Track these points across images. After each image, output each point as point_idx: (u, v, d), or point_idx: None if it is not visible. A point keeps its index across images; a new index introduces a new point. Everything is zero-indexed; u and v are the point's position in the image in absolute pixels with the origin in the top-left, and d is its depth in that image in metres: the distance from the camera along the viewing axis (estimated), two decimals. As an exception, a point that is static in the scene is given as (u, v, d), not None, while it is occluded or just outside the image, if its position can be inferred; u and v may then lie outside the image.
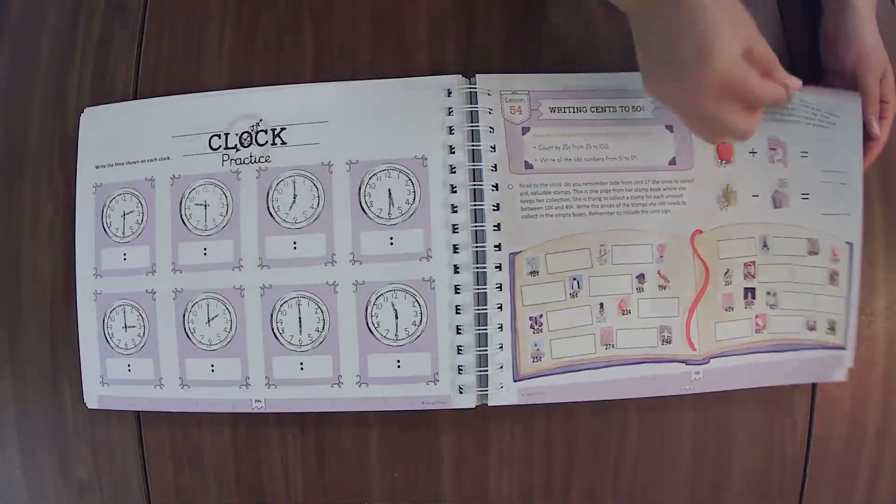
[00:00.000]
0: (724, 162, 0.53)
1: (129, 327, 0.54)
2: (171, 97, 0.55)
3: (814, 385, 0.56)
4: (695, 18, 0.40)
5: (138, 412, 0.55)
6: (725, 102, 0.42)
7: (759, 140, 0.53)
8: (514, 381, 0.51)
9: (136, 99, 0.56)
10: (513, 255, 0.51)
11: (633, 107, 0.53)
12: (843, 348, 0.55)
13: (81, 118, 0.56)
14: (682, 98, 0.44)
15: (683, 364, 0.52)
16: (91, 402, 0.54)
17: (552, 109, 0.52)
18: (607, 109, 0.53)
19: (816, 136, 0.54)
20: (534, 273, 0.51)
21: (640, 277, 0.52)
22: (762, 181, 0.54)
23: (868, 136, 0.55)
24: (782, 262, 0.54)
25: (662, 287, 0.52)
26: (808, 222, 0.54)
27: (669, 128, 0.53)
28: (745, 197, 0.53)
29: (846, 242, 0.55)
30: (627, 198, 0.52)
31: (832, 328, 0.55)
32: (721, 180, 0.53)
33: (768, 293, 0.54)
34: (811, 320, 0.54)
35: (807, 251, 0.54)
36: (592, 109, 0.53)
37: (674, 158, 0.53)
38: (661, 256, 0.52)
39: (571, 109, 0.53)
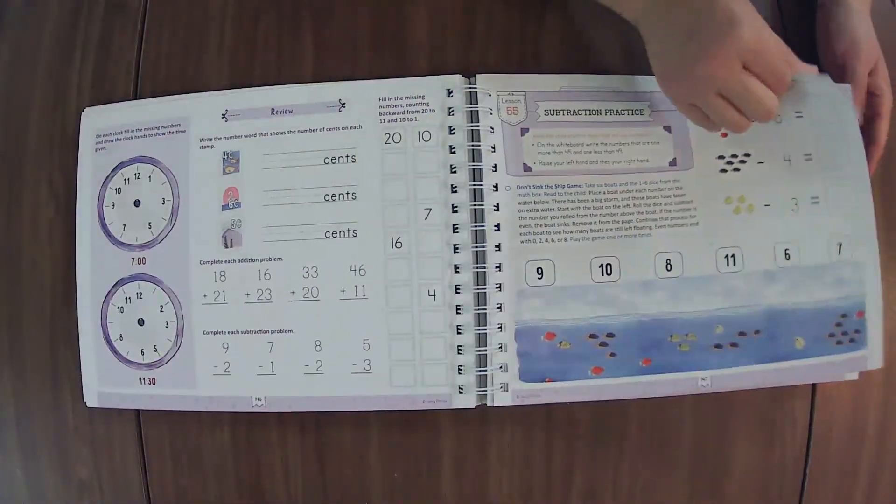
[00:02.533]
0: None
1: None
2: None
3: (814, 385, 0.56)
4: None
5: (138, 411, 0.55)
6: (749, 76, 0.44)
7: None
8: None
9: (136, 99, 0.56)
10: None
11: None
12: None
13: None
14: (709, 75, 0.44)
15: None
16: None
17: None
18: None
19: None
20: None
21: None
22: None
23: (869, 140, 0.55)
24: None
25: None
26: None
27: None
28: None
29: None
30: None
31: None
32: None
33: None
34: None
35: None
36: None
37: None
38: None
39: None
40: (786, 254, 0.52)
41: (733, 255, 0.52)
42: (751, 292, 0.52)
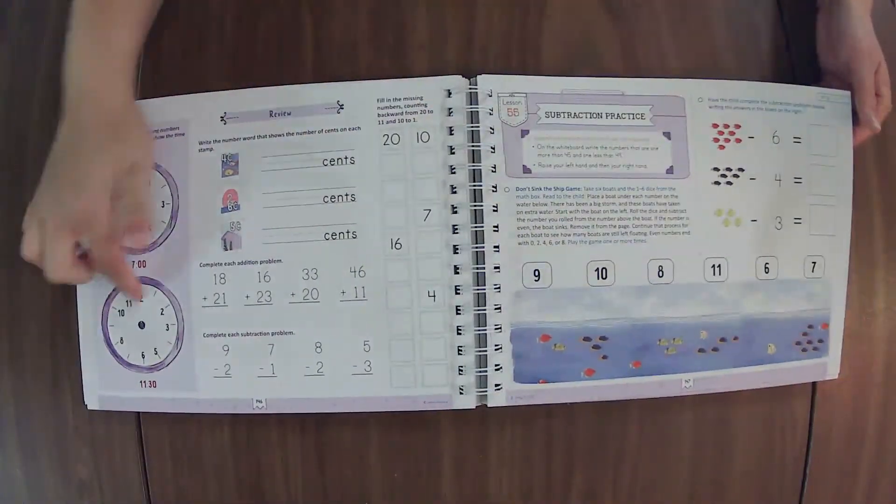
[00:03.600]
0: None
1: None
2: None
3: (814, 384, 0.57)
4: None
5: (138, 412, 0.55)
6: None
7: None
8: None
9: (136, 99, 0.56)
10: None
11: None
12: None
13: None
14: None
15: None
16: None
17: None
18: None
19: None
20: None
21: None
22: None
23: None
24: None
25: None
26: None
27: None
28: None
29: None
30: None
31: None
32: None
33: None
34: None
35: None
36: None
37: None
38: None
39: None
40: (765, 267, 0.54)
41: (719, 266, 0.53)
42: (733, 301, 0.54)
